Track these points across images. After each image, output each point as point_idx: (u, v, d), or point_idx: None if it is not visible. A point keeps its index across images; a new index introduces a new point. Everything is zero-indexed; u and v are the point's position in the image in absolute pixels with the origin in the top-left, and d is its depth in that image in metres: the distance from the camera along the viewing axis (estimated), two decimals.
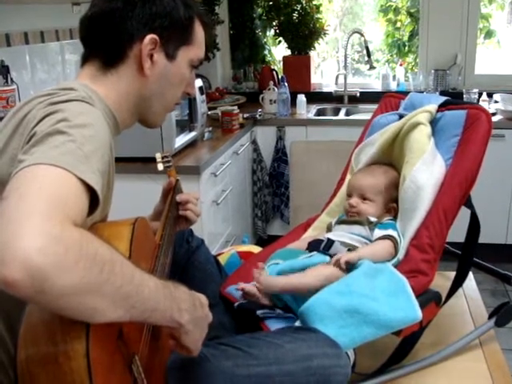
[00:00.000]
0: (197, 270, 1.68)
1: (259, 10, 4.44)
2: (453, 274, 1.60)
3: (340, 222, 1.65)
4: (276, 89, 3.97)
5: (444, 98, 1.65)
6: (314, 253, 1.55)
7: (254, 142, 3.83)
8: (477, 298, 1.79)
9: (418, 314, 1.35)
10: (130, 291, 0.87)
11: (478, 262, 1.71)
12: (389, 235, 1.50)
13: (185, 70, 1.28)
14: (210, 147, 3.17)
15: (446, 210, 1.45)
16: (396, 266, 1.47)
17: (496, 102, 3.69)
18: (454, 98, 1.70)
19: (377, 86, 4.37)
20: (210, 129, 3.41)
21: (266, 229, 4.00)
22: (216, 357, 1.18)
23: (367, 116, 3.90)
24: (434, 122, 1.61)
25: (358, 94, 4.28)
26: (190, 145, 3.11)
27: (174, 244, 1.57)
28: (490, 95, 3.80)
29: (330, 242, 1.54)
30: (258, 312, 1.43)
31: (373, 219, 1.59)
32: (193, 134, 3.14)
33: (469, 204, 1.48)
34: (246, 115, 3.81)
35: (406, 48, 4.50)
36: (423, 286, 1.41)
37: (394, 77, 4.30)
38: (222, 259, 1.84)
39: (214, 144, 3.22)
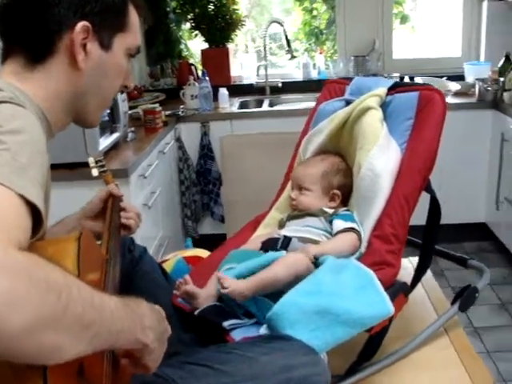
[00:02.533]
0: (143, 280, 1.56)
1: (173, 4, 4.28)
2: (409, 260, 1.55)
3: (291, 217, 1.57)
4: (196, 84, 3.84)
5: (392, 81, 1.59)
6: (269, 252, 1.45)
7: (178, 139, 3.69)
8: (434, 284, 1.75)
9: (390, 308, 1.28)
10: (92, 317, 0.74)
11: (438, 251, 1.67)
12: (351, 228, 1.43)
13: (122, 59, 1.15)
14: (136, 148, 3.01)
15: (407, 196, 1.39)
16: (359, 259, 1.40)
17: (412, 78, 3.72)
18: None
19: (298, 76, 4.32)
20: (133, 129, 3.26)
21: (196, 228, 3.87)
22: (185, 379, 1.07)
23: (291, 106, 3.93)
24: (384, 106, 1.55)
25: (280, 85, 4.22)
26: (114, 147, 2.94)
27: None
28: (411, 78, 3.82)
29: (287, 240, 1.45)
30: (225, 324, 1.32)
31: (327, 210, 1.51)
32: (116, 135, 2.97)
33: (429, 189, 1.43)
34: (168, 112, 3.66)
35: (324, 36, 4.48)
36: (391, 277, 1.35)
37: (314, 65, 4.26)
38: (168, 266, 1.71)
39: (138, 145, 3.06)
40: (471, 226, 3.88)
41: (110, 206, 1.42)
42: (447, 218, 3.63)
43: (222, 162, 2.79)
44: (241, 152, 2.79)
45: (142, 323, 0.88)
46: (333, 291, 1.26)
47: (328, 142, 1.61)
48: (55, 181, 2.53)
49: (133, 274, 1.56)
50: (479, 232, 3.89)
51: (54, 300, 0.68)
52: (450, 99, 3.60)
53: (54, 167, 2.51)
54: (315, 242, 1.44)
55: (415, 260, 1.79)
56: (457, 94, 3.68)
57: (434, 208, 1.45)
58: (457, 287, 3.10)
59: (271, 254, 1.39)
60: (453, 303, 1.56)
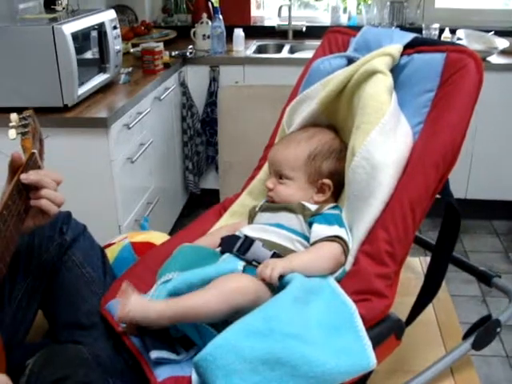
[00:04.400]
0: (70, 274, 1.24)
1: None
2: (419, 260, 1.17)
3: (265, 207, 1.19)
4: (210, 22, 3.42)
5: (412, 35, 1.17)
6: (227, 255, 1.09)
7: (183, 84, 3.30)
8: (448, 306, 1.36)
9: (370, 360, 0.91)
10: None
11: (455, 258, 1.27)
12: (336, 236, 1.05)
13: None
14: (126, 93, 2.64)
15: (414, 203, 1.00)
16: (340, 280, 1.03)
17: (459, 39, 3.24)
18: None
19: (325, 20, 3.87)
20: (130, 70, 2.90)
21: (198, 183, 3.52)
22: None
23: None
24: (396, 70, 1.14)
25: (304, 29, 3.77)
26: (102, 90, 2.57)
27: (42, 238, 1.21)
28: (452, 31, 3.35)
29: (249, 242, 1.08)
30: (153, 356, 0.97)
31: (309, 205, 1.13)
32: (104, 76, 2.60)
33: (446, 192, 1.03)
34: (174, 53, 3.28)
35: None
36: (378, 313, 0.97)
37: (345, 9, 3.79)
38: (112, 253, 1.37)
39: (130, 89, 2.68)
40: (503, 203, 3.44)
41: (15, 182, 1.06)
42: (476, 192, 3.24)
43: (219, 115, 2.39)
44: (241, 106, 2.40)
45: None
46: (291, 332, 0.89)
47: (319, 113, 1.21)
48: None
49: (59, 264, 1.23)
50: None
51: None
52: (495, 58, 3.14)
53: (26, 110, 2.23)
54: (285, 250, 1.07)
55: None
56: (504, 52, 3.21)
57: (451, 218, 1.05)
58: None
59: (223, 266, 1.03)
60: (466, 337, 1.19)
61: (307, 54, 3.47)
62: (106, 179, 2.32)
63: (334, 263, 1.03)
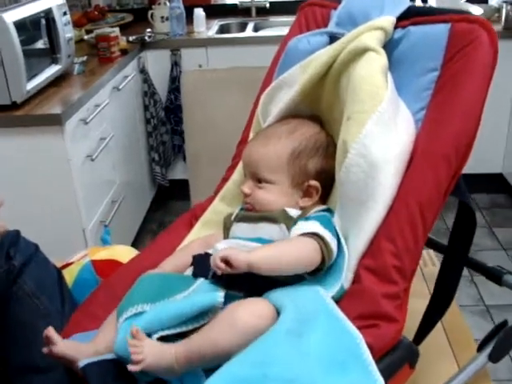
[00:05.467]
0: (21, 306, 1.07)
1: None
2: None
3: (241, 217, 1.02)
4: (168, 3, 3.21)
5: (405, 3, 0.98)
6: (201, 282, 0.92)
7: (143, 70, 3.09)
8: (456, 312, 1.21)
9: None
10: None
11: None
12: (313, 233, 0.89)
13: None
14: (82, 84, 2.43)
15: (424, 205, 0.83)
16: (338, 301, 0.86)
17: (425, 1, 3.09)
18: None
19: None
20: (85, 59, 2.69)
21: (166, 175, 3.33)
22: None
23: (281, 31, 3.28)
24: (389, 47, 0.96)
25: (268, 5, 3.58)
26: (54, 83, 2.36)
27: None
28: (424, 1, 3.20)
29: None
30: None
31: (292, 212, 0.96)
32: (57, 67, 2.38)
33: (460, 190, 0.87)
34: (132, 38, 3.08)
35: None
36: (389, 341, 0.81)
37: None
38: (70, 274, 1.18)
39: (86, 80, 2.48)
40: (485, 176, 3.33)
41: None
42: None
43: (183, 103, 2.20)
44: (208, 91, 2.21)
45: None
46: (288, 376, 0.73)
47: (300, 102, 1.03)
48: None
49: (9, 296, 1.05)
50: (494, 184, 3.37)
51: None
52: None
53: None
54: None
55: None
56: None
57: (466, 219, 0.89)
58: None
59: (200, 300, 0.85)
60: (480, 349, 1.04)
61: (273, 32, 3.29)
62: (65, 181, 2.12)
63: (304, 260, 0.86)
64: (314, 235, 0.89)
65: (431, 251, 1.36)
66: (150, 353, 0.80)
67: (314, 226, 0.90)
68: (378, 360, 0.79)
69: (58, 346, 0.85)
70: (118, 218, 2.52)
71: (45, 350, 0.87)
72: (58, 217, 2.16)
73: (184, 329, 0.84)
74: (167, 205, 3.44)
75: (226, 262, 0.83)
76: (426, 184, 0.84)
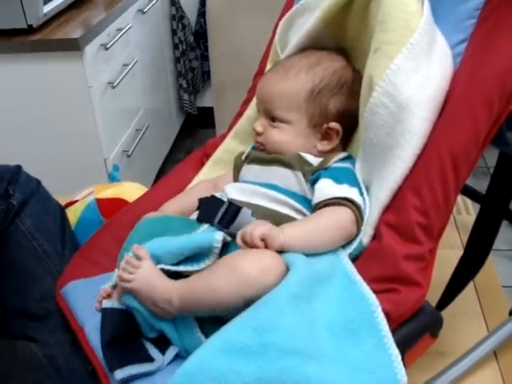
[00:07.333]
0: (18, 247, 1.01)
1: None
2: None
3: (252, 158, 0.92)
4: None
5: None
6: (206, 228, 0.83)
7: None
8: (491, 273, 1.09)
9: (397, 377, 0.66)
10: None
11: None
12: (345, 198, 0.79)
13: None
14: (103, 7, 2.30)
15: (458, 155, 0.72)
16: (355, 259, 0.77)
17: None
18: None
19: None
20: None
21: (195, 102, 3.22)
22: None
23: None
24: None
25: None
26: (74, 5, 2.24)
27: None
28: None
29: (234, 209, 0.82)
30: (119, 376, 0.73)
31: (310, 158, 0.86)
32: None
33: (501, 139, 0.75)
34: None
35: None
36: (409, 308, 0.72)
37: None
38: (74, 215, 1.11)
39: (107, 3, 2.34)
40: None
41: None
42: None
43: (209, 29, 2.07)
44: (235, 17, 2.07)
45: None
46: (291, 346, 0.64)
47: (323, 30, 0.91)
48: None
49: (7, 235, 0.99)
50: None
51: None
52: None
53: None
54: (281, 219, 0.81)
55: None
56: None
57: (507, 169, 0.77)
58: None
59: (196, 238, 0.77)
60: None
61: None
62: (84, 109, 2.03)
63: (341, 236, 0.77)
64: (350, 202, 0.79)
65: (467, 199, 1.24)
66: (144, 277, 0.73)
67: (343, 190, 0.80)
68: (395, 329, 0.70)
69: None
70: (141, 148, 2.45)
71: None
72: (77, 147, 2.09)
73: (182, 268, 0.76)
74: (196, 133, 3.34)
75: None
76: (461, 132, 0.72)
